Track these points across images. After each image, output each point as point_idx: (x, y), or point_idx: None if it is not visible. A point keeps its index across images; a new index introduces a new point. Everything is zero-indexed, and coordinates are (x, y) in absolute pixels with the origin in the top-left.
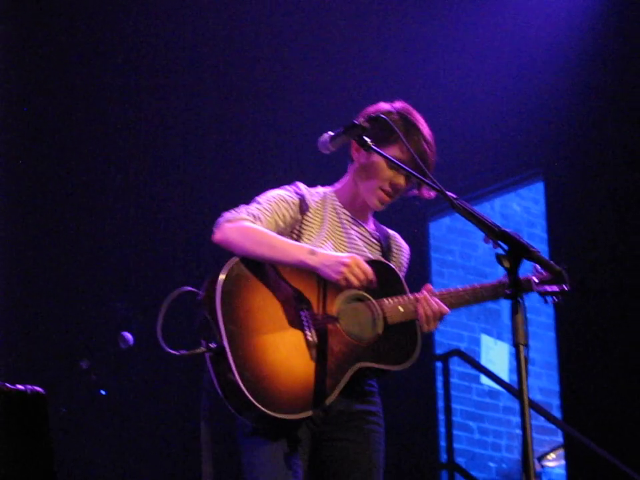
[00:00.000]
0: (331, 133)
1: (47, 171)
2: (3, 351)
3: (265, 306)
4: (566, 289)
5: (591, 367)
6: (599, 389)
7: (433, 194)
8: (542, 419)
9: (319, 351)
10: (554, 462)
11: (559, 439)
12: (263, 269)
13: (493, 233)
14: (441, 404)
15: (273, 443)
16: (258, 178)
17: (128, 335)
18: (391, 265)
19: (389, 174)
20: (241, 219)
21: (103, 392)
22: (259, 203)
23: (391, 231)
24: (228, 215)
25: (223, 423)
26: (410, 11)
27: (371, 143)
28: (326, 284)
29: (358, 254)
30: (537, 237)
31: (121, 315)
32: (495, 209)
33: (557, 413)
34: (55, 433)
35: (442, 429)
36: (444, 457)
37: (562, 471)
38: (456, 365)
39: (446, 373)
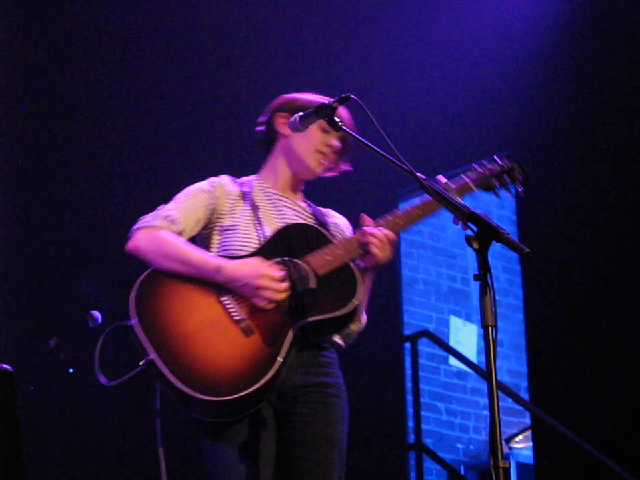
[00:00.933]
0: (301, 114)
1: (17, 154)
2: None
3: (185, 305)
4: (520, 177)
5: (559, 349)
6: (567, 371)
7: (347, 166)
8: (510, 400)
9: (251, 326)
10: (522, 444)
11: (527, 420)
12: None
13: (462, 214)
14: (409, 385)
15: (230, 439)
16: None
17: (96, 314)
18: (313, 224)
19: (323, 136)
20: (154, 227)
21: (71, 370)
22: (177, 201)
23: (324, 209)
24: (143, 221)
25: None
26: None
27: (341, 124)
28: None
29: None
30: (506, 219)
31: (90, 294)
32: None
33: (524, 395)
34: (22, 411)
35: (410, 410)
36: (411, 437)
37: (530, 453)
38: (424, 346)
39: (414, 353)
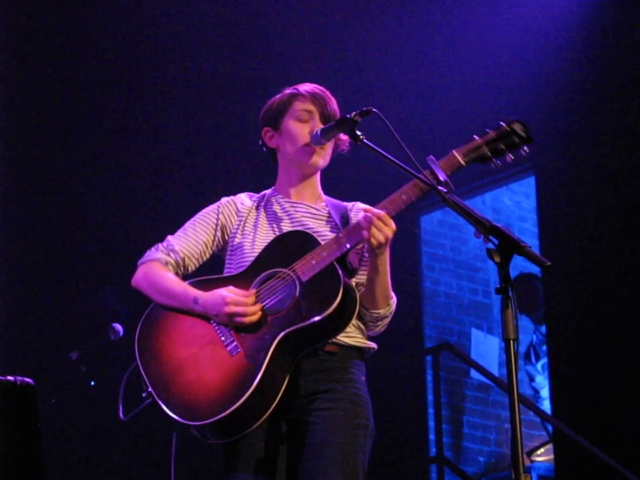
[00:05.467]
0: (322, 127)
1: (41, 166)
2: None
3: (179, 335)
4: (517, 140)
5: (581, 362)
6: (588, 384)
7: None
8: (531, 413)
9: (237, 345)
10: (543, 457)
11: None
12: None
13: (484, 227)
14: (430, 398)
15: (245, 458)
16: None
17: (118, 326)
18: (306, 230)
19: (302, 127)
20: (151, 260)
21: (92, 383)
22: (182, 229)
23: (350, 203)
24: (145, 255)
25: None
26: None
27: (362, 137)
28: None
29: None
30: (527, 232)
31: (111, 306)
32: (486, 204)
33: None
34: (44, 424)
35: (431, 423)
36: (433, 450)
37: (551, 466)
38: (446, 359)
39: (436, 366)
